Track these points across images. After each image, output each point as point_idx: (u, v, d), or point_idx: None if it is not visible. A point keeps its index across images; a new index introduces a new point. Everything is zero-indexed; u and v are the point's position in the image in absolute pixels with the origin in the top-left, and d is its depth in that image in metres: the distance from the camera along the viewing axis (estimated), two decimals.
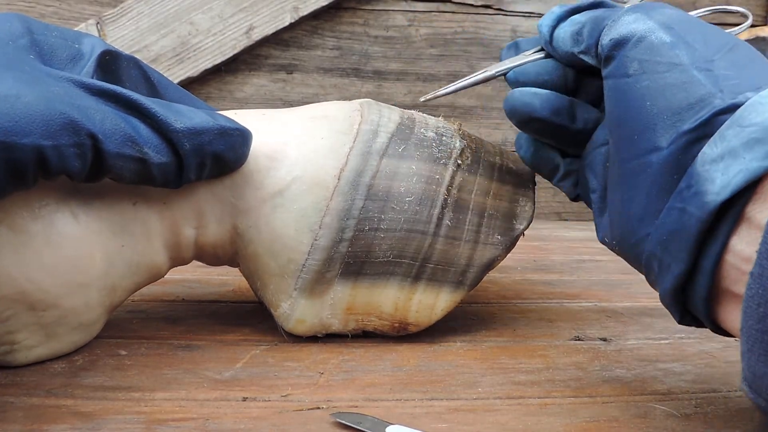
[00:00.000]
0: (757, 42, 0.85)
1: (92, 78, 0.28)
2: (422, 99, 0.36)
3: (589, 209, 0.34)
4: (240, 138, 0.31)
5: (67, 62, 0.28)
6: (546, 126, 0.33)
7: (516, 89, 0.34)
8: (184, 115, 0.29)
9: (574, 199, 0.35)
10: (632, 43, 0.27)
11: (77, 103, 0.25)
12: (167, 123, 0.28)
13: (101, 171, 0.27)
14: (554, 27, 0.33)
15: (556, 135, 0.34)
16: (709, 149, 0.23)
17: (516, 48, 0.35)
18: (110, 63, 0.29)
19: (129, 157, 0.27)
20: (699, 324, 0.26)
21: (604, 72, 0.29)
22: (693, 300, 0.24)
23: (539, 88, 0.33)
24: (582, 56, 0.31)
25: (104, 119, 0.26)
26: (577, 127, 0.33)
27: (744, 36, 0.86)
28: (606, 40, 0.28)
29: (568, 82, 0.34)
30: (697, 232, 0.23)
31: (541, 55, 0.34)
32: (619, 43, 0.28)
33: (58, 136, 0.25)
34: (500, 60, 0.36)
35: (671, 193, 0.24)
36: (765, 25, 0.92)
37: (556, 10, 0.33)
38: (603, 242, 0.31)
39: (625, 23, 0.28)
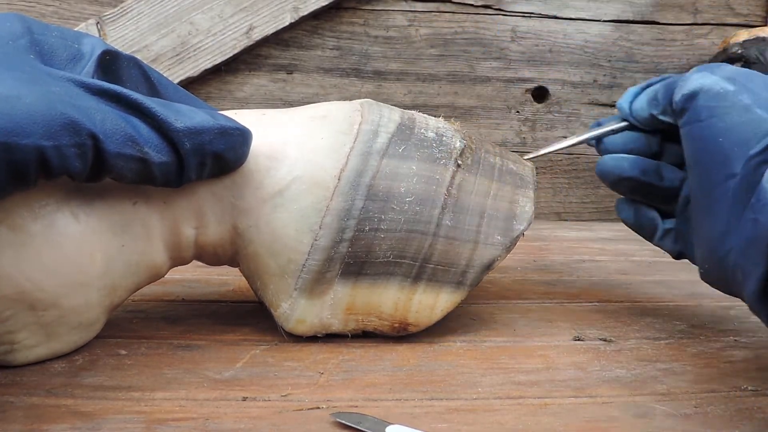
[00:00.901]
0: (757, 42, 0.85)
1: (92, 78, 0.28)
2: (526, 158, 0.41)
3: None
4: (240, 137, 0.31)
5: (67, 62, 0.28)
6: (636, 184, 0.38)
7: (606, 155, 0.39)
8: (185, 115, 0.29)
9: (677, 256, 0.39)
10: (701, 94, 0.32)
11: (77, 103, 0.25)
12: (168, 122, 0.28)
13: (102, 171, 0.27)
14: (632, 102, 0.38)
15: (647, 193, 0.38)
16: None
17: (599, 125, 0.40)
18: (110, 63, 0.29)
19: (130, 156, 0.27)
20: None
21: (680, 122, 0.33)
22: None
23: (627, 154, 0.39)
24: (660, 117, 0.36)
25: (105, 119, 0.26)
26: (665, 184, 0.38)
27: (744, 36, 0.86)
28: (678, 96, 0.33)
29: (652, 147, 0.39)
30: None
31: (624, 125, 0.39)
32: (690, 97, 0.32)
33: (58, 137, 0.25)
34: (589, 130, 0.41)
35: (749, 211, 0.27)
36: (765, 25, 0.92)
37: (631, 89, 0.39)
38: (702, 278, 0.34)
39: (694, 80, 0.33)
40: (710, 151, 0.31)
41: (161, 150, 0.28)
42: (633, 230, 0.41)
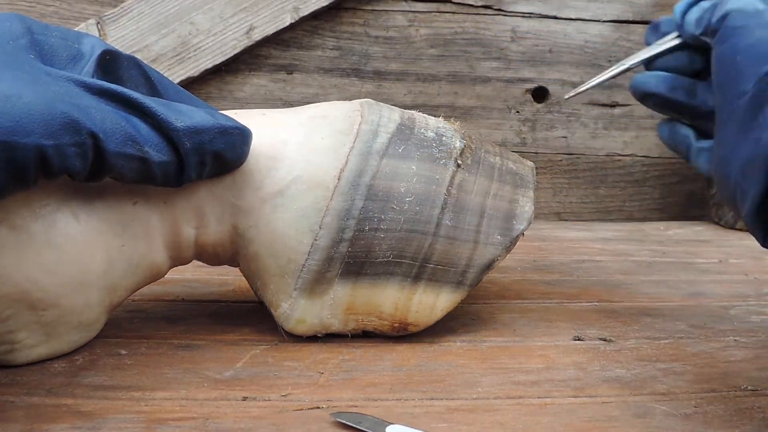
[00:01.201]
0: None
1: (92, 78, 0.28)
2: (566, 97, 0.41)
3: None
4: (240, 137, 0.31)
5: (68, 62, 0.28)
6: (663, 101, 0.37)
7: (638, 73, 0.38)
8: (185, 114, 0.29)
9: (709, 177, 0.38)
10: (733, 13, 0.31)
11: (78, 102, 0.26)
12: (168, 122, 0.28)
13: (102, 170, 0.27)
14: (685, 12, 0.37)
15: (680, 111, 0.37)
16: None
17: (656, 29, 0.39)
18: (110, 63, 0.29)
19: (130, 155, 0.27)
20: None
21: (712, 42, 0.33)
22: None
23: (666, 71, 0.38)
24: (703, 38, 0.35)
25: (105, 118, 0.26)
26: (697, 103, 0.36)
27: None
28: (715, 18, 0.33)
29: (695, 65, 0.37)
30: None
31: (676, 41, 0.38)
32: (724, 17, 0.32)
33: (59, 136, 0.25)
34: (645, 41, 0.40)
35: (752, 129, 0.27)
36: None
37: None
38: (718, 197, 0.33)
39: (732, 1, 0.32)
40: (728, 69, 0.30)
41: (161, 149, 0.28)
42: (669, 148, 0.40)
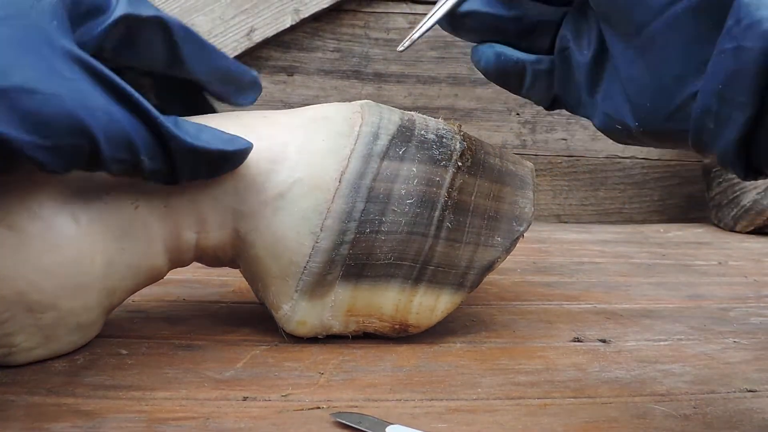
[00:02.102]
0: None
1: (101, 41, 0.27)
2: (400, 49, 0.34)
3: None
4: (240, 159, 0.31)
5: (89, 11, 0.27)
6: (478, 19, 0.31)
7: None
8: (191, 135, 0.29)
9: (550, 106, 0.32)
10: None
11: (87, 103, 0.25)
12: (171, 136, 0.28)
13: (92, 168, 0.27)
14: None
15: (498, 29, 0.31)
16: None
17: None
18: (128, 31, 0.28)
19: (123, 161, 0.27)
20: (765, 176, 0.24)
21: None
22: (762, 148, 0.22)
23: None
24: None
25: (110, 122, 0.26)
26: (514, 13, 0.30)
27: None
28: None
29: None
30: (761, 67, 0.20)
31: None
32: None
33: (62, 137, 0.25)
34: None
35: (715, 39, 0.22)
36: None
37: None
38: (608, 129, 0.28)
39: None
40: None
41: (156, 159, 0.28)
42: (496, 80, 0.33)
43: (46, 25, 0.25)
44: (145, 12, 0.29)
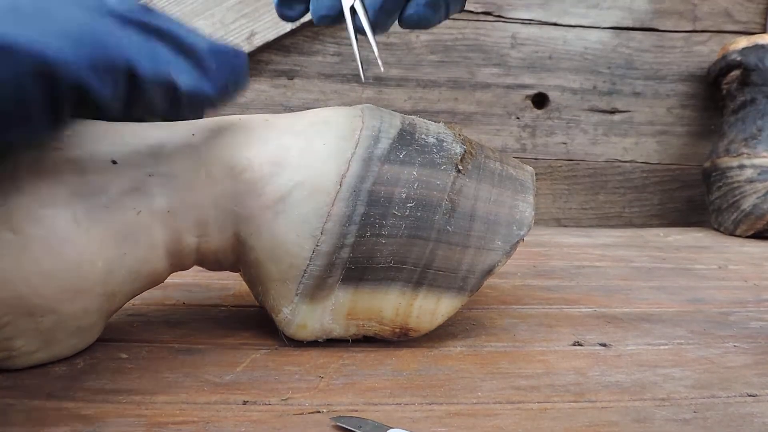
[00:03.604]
0: (756, 49, 0.86)
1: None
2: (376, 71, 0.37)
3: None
4: (245, 56, 0.32)
5: None
6: None
7: None
8: (203, 39, 0.30)
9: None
10: None
11: (107, 25, 0.26)
12: (192, 45, 0.29)
13: (137, 98, 0.27)
14: None
15: None
16: None
17: None
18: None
19: (162, 82, 0.28)
20: None
21: None
22: None
23: None
24: None
25: (139, 48, 0.27)
26: None
27: (743, 43, 0.87)
28: None
29: None
30: None
31: None
32: None
33: (98, 56, 0.25)
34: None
35: None
36: (764, 32, 0.93)
37: None
38: None
39: None
40: None
41: (189, 74, 0.29)
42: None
43: None
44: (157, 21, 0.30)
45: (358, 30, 0.37)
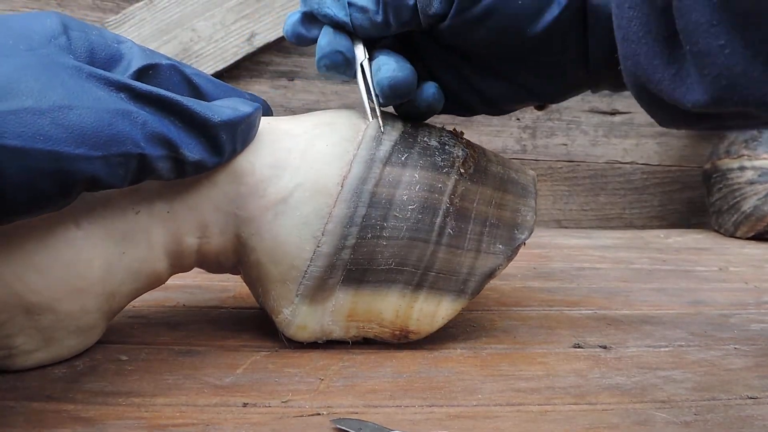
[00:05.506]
0: None
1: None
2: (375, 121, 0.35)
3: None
4: (258, 117, 0.33)
5: (106, 62, 0.28)
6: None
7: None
8: (216, 111, 0.30)
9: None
10: None
11: (121, 108, 0.26)
12: (205, 118, 0.29)
13: (144, 175, 0.28)
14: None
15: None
16: None
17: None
18: (152, 76, 0.30)
19: (167, 157, 0.28)
20: None
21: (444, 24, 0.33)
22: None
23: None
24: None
25: (144, 125, 0.26)
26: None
27: None
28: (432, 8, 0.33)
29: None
30: None
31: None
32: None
33: (109, 146, 0.25)
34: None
35: None
36: None
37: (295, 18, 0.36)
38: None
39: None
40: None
41: (195, 149, 0.29)
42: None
43: (65, 58, 0.26)
44: (159, 60, 0.30)
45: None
